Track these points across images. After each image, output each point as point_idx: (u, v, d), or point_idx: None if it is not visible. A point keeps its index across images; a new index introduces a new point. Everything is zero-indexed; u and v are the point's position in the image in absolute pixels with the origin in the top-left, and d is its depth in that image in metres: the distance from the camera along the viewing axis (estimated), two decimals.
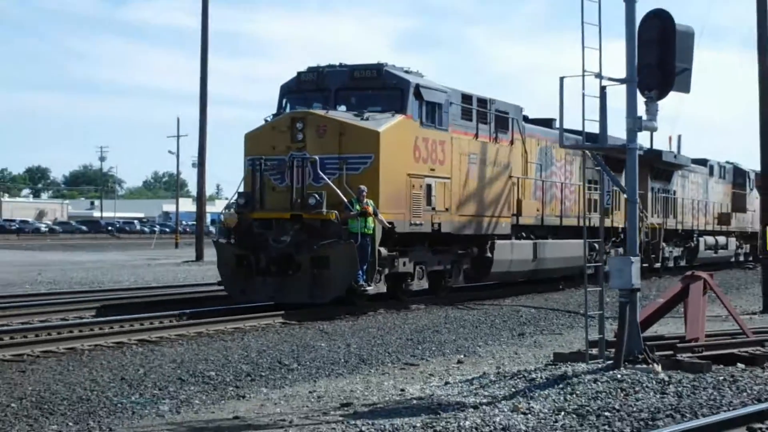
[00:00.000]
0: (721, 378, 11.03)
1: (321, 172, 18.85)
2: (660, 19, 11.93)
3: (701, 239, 38.79)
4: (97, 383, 11.19)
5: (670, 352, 12.03)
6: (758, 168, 43.85)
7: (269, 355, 13.50)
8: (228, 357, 13.26)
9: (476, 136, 22.73)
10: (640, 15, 11.91)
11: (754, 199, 44.48)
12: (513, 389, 10.48)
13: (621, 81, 11.75)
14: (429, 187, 20.78)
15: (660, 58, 11.81)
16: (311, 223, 18.91)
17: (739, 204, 43.65)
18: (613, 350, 11.45)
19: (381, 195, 19.30)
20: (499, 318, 19.30)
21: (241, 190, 20.23)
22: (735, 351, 12.75)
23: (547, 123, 27.68)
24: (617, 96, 11.82)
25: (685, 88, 12.06)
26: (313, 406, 10.14)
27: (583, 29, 11.35)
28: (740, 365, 12.15)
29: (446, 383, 11.46)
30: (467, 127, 22.47)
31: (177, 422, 9.35)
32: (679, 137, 41.04)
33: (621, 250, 29.20)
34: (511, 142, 24.29)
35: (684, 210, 37.72)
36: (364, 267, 18.62)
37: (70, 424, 9.21)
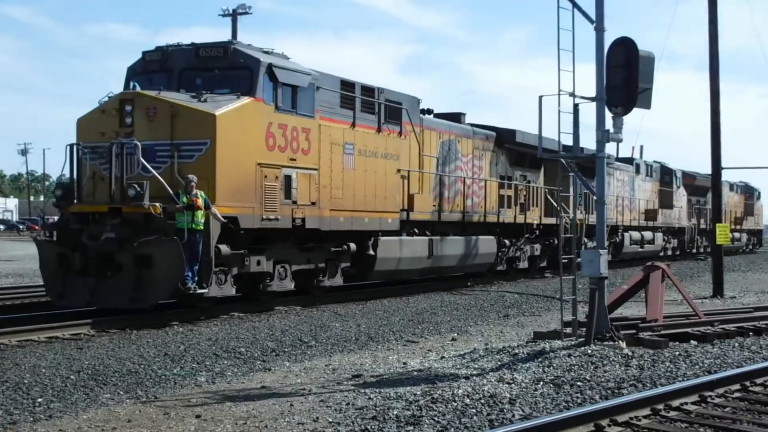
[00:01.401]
0: (677, 353, 11.07)
1: (144, 160, 14.49)
2: (625, 46, 11.96)
3: (626, 234, 35.60)
4: (144, 358, 11.23)
5: (633, 331, 12.06)
6: (686, 168, 44.21)
7: (291, 334, 13.53)
8: (256, 336, 13.29)
9: (353, 125, 18.38)
10: (608, 42, 11.97)
11: (681, 196, 42.76)
12: (499, 363, 10.51)
13: (591, 99, 11.78)
14: (288, 178, 16.42)
15: (625, 79, 11.83)
16: (133, 217, 14.63)
17: (666, 201, 40.72)
18: (584, 329, 11.49)
19: (219, 186, 14.94)
20: (487, 302, 19.29)
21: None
22: (689, 330, 12.77)
23: (454, 117, 24.34)
24: (587, 112, 11.87)
25: (647, 105, 12.08)
26: (328, 377, 10.16)
27: (559, 55, 11.38)
28: (693, 342, 12.18)
29: (442, 357, 11.48)
30: (344, 116, 18.24)
31: (212, 391, 9.39)
32: (641, 147, 41.17)
33: (538, 246, 27.11)
34: (400, 133, 20.10)
35: (616, 207, 34.45)
36: (195, 267, 14.45)
37: (121, 393, 9.26)
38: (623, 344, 11.20)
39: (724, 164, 22.41)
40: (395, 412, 7.82)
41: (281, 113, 16.27)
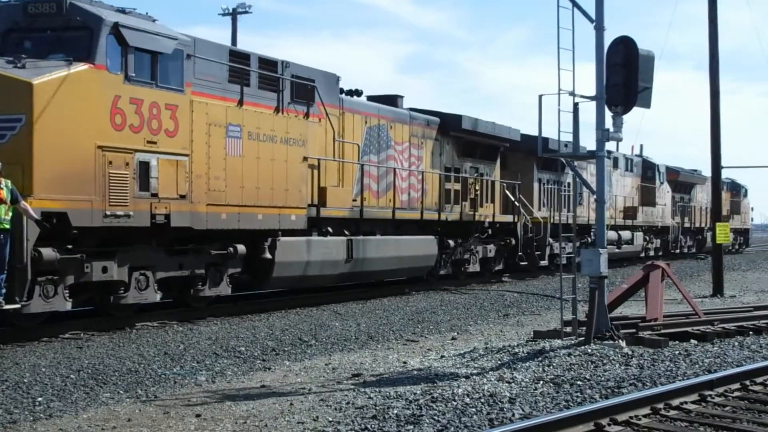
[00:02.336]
0: (677, 352, 11.07)
1: None
2: (625, 44, 11.97)
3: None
4: (144, 357, 11.22)
5: (633, 330, 12.05)
6: (669, 163, 42.44)
7: (291, 333, 13.53)
8: (256, 335, 13.29)
9: (241, 102, 15.30)
10: (608, 41, 11.98)
11: (665, 192, 39.68)
12: (499, 362, 10.51)
13: (591, 98, 11.78)
14: (145, 165, 13.26)
15: (625, 78, 11.84)
16: None
17: (647, 198, 37.39)
18: (584, 328, 11.49)
19: (38, 173, 11.86)
20: (487, 301, 19.29)
21: None
22: (689, 329, 12.76)
23: (388, 100, 21.23)
24: (587, 111, 11.87)
25: (647, 104, 12.09)
26: (328, 376, 10.16)
27: (559, 54, 11.38)
28: (693, 341, 12.17)
29: (442, 357, 11.47)
30: (233, 92, 15.27)
31: (212, 390, 9.39)
32: (641, 146, 40.34)
33: (492, 247, 24.46)
34: (307, 115, 16.99)
35: (579, 203, 30.21)
36: (2, 276, 11.41)
37: (121, 392, 9.25)
38: (623, 343, 11.20)
39: (722, 163, 22.39)
40: (395, 411, 7.82)
41: (134, 85, 13.17)
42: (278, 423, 7.80)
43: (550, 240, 27.44)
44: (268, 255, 16.09)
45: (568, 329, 11.80)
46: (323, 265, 17.42)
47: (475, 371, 9.98)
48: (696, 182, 45.05)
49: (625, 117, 12.08)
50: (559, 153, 12.74)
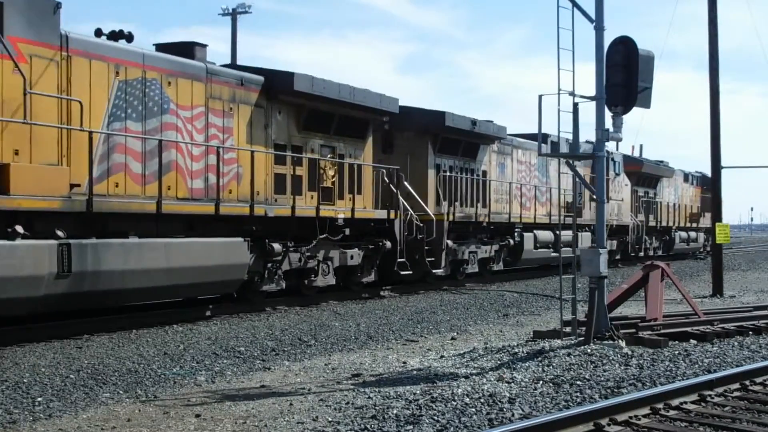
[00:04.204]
0: (677, 352, 11.07)
1: None
2: (625, 45, 11.99)
3: (527, 235, 26.44)
4: (144, 357, 11.23)
5: (633, 330, 12.06)
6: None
7: (291, 333, 13.53)
8: (255, 335, 13.29)
9: None
10: (607, 41, 11.99)
11: (622, 186, 34.18)
12: (499, 362, 10.51)
13: (591, 98, 11.79)
14: None
15: (625, 78, 11.86)
16: None
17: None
18: (584, 328, 11.50)
19: None
20: (487, 301, 19.29)
21: None
22: (688, 329, 12.76)
23: (181, 49, 15.27)
24: (587, 111, 11.89)
25: (647, 104, 12.10)
26: (328, 377, 10.16)
27: (558, 54, 11.38)
28: (693, 341, 12.18)
29: (441, 357, 11.47)
30: None
31: (212, 390, 9.39)
32: (641, 146, 40.07)
33: (356, 252, 18.72)
34: None
35: (498, 197, 25.46)
36: None
37: (121, 392, 9.25)
38: (623, 343, 11.21)
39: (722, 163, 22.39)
40: (395, 412, 7.83)
41: None
42: (278, 423, 7.80)
43: (450, 243, 22.13)
44: None
45: (568, 329, 11.82)
46: (9, 285, 11.22)
47: (474, 371, 9.98)
48: (662, 175, 39.69)
49: (624, 117, 12.10)
50: (559, 153, 12.72)
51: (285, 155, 17.03)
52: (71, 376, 9.92)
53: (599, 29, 11.80)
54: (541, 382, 9.17)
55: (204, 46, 15.84)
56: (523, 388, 8.87)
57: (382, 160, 20.93)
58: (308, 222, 17.39)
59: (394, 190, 20.21)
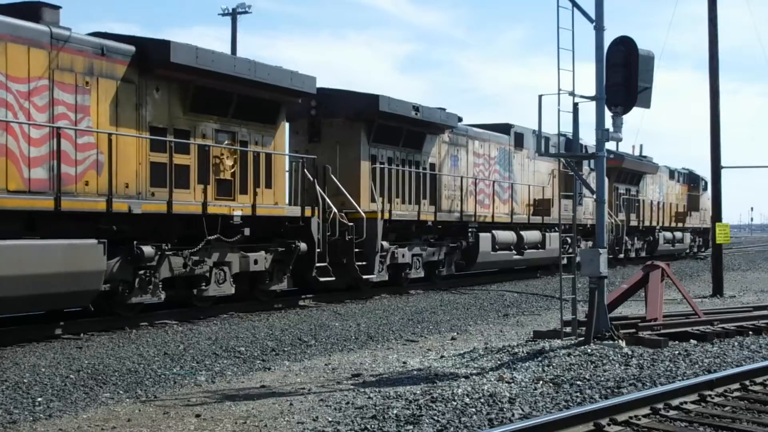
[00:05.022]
0: (677, 352, 11.07)
1: None
2: (625, 44, 11.99)
3: (484, 236, 23.28)
4: (144, 357, 11.23)
5: (633, 330, 12.05)
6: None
7: (291, 333, 13.53)
8: (255, 335, 13.29)
9: None
10: (607, 41, 11.99)
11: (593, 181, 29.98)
12: (499, 362, 10.51)
13: (591, 98, 11.79)
14: None
15: (625, 78, 11.86)
16: None
17: (571, 188, 27.46)
18: (584, 328, 11.50)
19: None
20: (487, 301, 19.29)
21: None
22: (688, 329, 12.76)
23: (25, 13, 12.55)
24: (587, 111, 11.89)
25: (647, 104, 12.10)
26: (328, 377, 10.16)
27: (558, 54, 11.38)
28: (693, 341, 12.17)
29: (442, 357, 11.47)
30: None
31: (212, 390, 9.39)
32: (641, 146, 39.81)
33: (261, 255, 15.93)
34: None
35: (450, 193, 22.52)
36: None
37: (121, 392, 9.25)
38: (623, 343, 11.21)
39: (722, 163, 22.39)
40: (395, 412, 7.82)
41: None
42: (278, 423, 7.80)
43: (385, 244, 19.42)
44: None
45: (568, 329, 11.81)
46: None
47: (474, 371, 9.98)
48: (645, 171, 36.96)
49: (624, 117, 12.10)
50: (559, 153, 12.71)
51: (165, 141, 14.22)
52: (71, 376, 9.92)
53: (599, 29, 11.80)
54: (541, 382, 9.16)
55: (57, 8, 13.03)
56: (523, 388, 8.86)
57: (308, 150, 18.89)
58: (198, 220, 14.78)
59: (314, 183, 17.58)
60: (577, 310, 11.88)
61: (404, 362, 11.10)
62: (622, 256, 33.35)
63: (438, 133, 22.17)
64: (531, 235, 25.98)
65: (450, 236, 22.55)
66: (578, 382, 9.09)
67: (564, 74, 11.35)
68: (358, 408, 8.24)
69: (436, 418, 7.57)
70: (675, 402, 8.06)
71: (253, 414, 8.17)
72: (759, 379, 9.22)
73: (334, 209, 17.97)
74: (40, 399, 8.79)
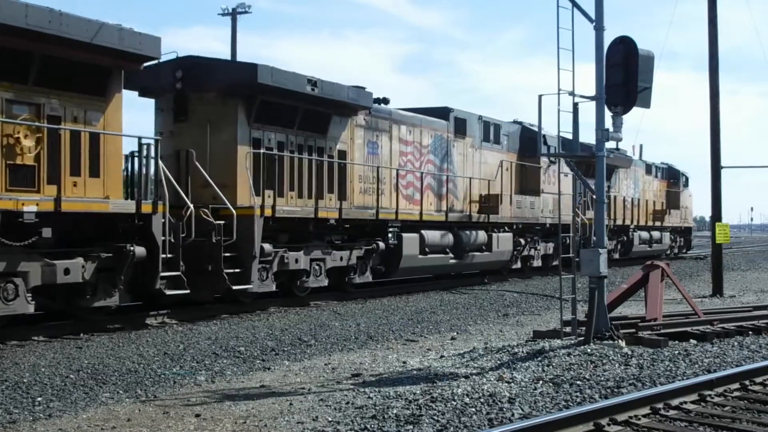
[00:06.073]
0: (677, 352, 11.07)
1: None
2: (625, 44, 11.99)
3: (409, 237, 20.07)
4: (144, 357, 11.22)
5: (633, 330, 12.06)
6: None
7: (291, 333, 13.52)
8: (255, 335, 13.28)
9: None
10: (607, 41, 11.99)
11: (561, 176, 23.80)
12: (499, 362, 10.51)
13: (591, 98, 11.79)
14: None
15: (625, 78, 11.86)
16: None
17: (528, 183, 25.81)
18: (584, 328, 11.49)
19: None
20: (487, 301, 19.29)
21: None
22: (688, 329, 12.77)
23: None
24: (587, 111, 11.89)
25: (646, 104, 12.10)
26: (328, 376, 10.16)
27: (558, 54, 11.38)
28: (693, 341, 12.18)
29: (441, 357, 11.47)
30: None
31: (212, 390, 9.39)
32: (641, 146, 39.60)
33: (79, 263, 12.26)
34: None
35: (365, 186, 19.15)
36: None
37: (121, 392, 9.25)
38: (623, 343, 11.20)
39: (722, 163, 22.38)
40: (395, 411, 7.82)
41: None
42: (278, 423, 7.80)
43: (266, 247, 15.95)
44: None
45: (568, 329, 11.81)
46: None
47: (474, 371, 9.98)
48: (617, 165, 32.47)
49: (624, 117, 12.10)
50: (558, 153, 12.71)
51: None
52: (71, 376, 9.91)
53: (599, 29, 11.79)
54: (541, 381, 9.16)
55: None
56: (523, 388, 8.86)
57: (173, 131, 16.07)
58: None
59: (159, 170, 13.84)
60: (577, 310, 11.88)
61: (404, 362, 11.09)
62: None
63: (350, 115, 18.59)
64: (473, 236, 22.59)
65: (365, 237, 19.22)
66: (578, 382, 9.09)
67: (564, 74, 11.37)
68: (358, 408, 8.24)
69: (435, 417, 7.57)
70: (675, 402, 8.06)
71: (253, 414, 8.17)
72: (759, 379, 9.22)
73: (190, 204, 14.42)
74: (39, 399, 8.78)
